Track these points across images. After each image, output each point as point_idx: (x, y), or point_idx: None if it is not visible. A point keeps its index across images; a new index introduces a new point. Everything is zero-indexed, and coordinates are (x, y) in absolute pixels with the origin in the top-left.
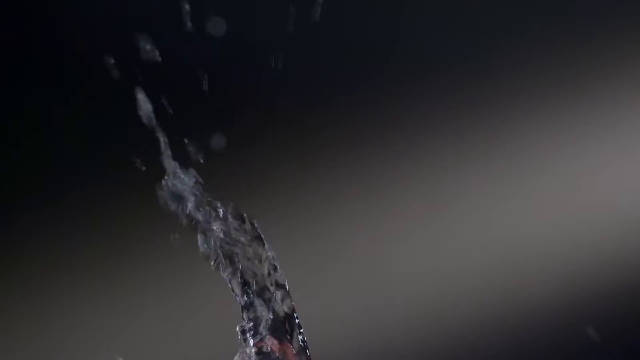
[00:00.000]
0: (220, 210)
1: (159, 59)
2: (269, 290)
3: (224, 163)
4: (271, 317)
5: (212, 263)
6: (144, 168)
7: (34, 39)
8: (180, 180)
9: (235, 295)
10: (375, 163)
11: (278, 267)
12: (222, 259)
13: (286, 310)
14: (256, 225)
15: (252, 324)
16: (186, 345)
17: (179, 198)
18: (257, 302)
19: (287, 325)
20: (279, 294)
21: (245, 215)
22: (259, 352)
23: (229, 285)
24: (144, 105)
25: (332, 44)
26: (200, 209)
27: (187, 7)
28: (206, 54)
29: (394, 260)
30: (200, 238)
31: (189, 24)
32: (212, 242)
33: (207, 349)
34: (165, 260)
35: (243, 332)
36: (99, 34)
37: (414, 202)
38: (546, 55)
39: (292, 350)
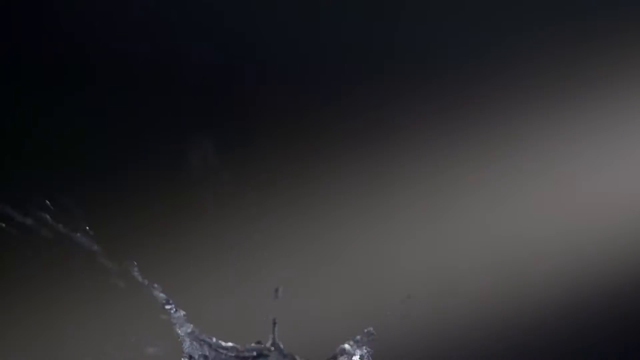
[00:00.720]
0: None
1: (159, 59)
2: None
3: (224, 163)
4: None
5: None
6: (143, 168)
7: (34, 38)
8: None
9: None
10: (375, 163)
11: None
12: None
13: None
14: None
15: None
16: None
17: None
18: None
19: None
20: None
21: None
22: None
23: None
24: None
25: (331, 43)
26: None
27: (187, 7)
28: (206, 53)
29: (394, 261)
30: None
31: (189, 24)
32: None
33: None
34: (166, 260)
35: None
36: (98, 33)
37: (414, 202)
38: (546, 56)
39: None
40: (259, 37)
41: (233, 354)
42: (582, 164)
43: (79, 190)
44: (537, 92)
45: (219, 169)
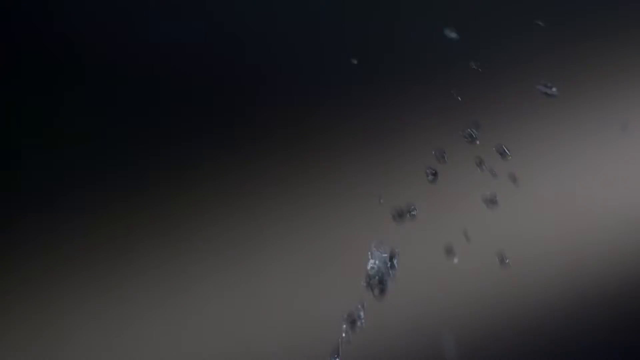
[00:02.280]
0: None
1: (159, 58)
2: None
3: (225, 162)
4: None
5: None
6: (143, 168)
7: (34, 38)
8: None
9: None
10: (375, 163)
11: None
12: None
13: None
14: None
15: None
16: (186, 346)
17: None
18: None
19: None
20: None
21: None
22: None
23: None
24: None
25: (332, 43)
26: None
27: (188, 7)
28: (207, 53)
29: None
30: None
31: (190, 24)
32: None
33: (207, 348)
34: (165, 261)
35: None
36: (98, 33)
37: (414, 202)
38: (546, 55)
39: None
40: (258, 37)
41: None
42: (582, 163)
43: (79, 190)
44: (537, 92)
45: (220, 169)
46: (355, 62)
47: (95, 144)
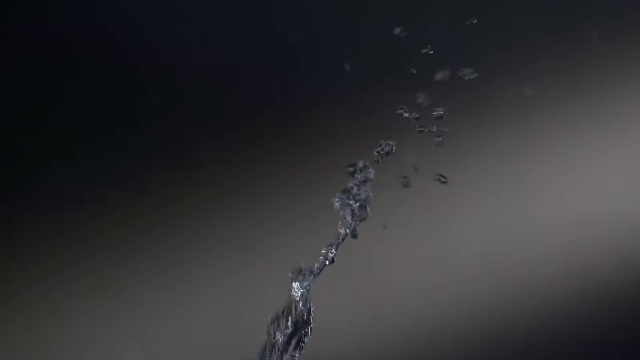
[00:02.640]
0: None
1: (159, 59)
2: None
3: (225, 162)
4: None
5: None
6: (144, 168)
7: (34, 38)
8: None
9: None
10: (375, 163)
11: None
12: None
13: None
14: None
15: None
16: (186, 346)
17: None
18: None
19: None
20: None
21: None
22: None
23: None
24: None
25: (331, 43)
26: None
27: (188, 7)
28: (207, 53)
29: (394, 261)
30: None
31: (190, 24)
32: None
33: (207, 348)
34: (166, 261)
35: None
36: (98, 33)
37: (414, 202)
38: (546, 55)
39: None
40: (258, 37)
41: None
42: (582, 163)
43: (79, 190)
44: (537, 94)
45: (220, 169)
46: (347, 67)
47: (95, 144)
